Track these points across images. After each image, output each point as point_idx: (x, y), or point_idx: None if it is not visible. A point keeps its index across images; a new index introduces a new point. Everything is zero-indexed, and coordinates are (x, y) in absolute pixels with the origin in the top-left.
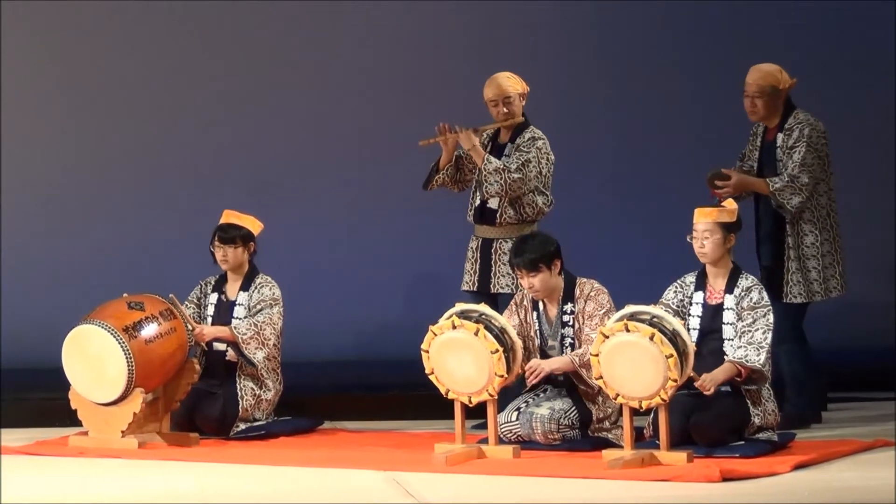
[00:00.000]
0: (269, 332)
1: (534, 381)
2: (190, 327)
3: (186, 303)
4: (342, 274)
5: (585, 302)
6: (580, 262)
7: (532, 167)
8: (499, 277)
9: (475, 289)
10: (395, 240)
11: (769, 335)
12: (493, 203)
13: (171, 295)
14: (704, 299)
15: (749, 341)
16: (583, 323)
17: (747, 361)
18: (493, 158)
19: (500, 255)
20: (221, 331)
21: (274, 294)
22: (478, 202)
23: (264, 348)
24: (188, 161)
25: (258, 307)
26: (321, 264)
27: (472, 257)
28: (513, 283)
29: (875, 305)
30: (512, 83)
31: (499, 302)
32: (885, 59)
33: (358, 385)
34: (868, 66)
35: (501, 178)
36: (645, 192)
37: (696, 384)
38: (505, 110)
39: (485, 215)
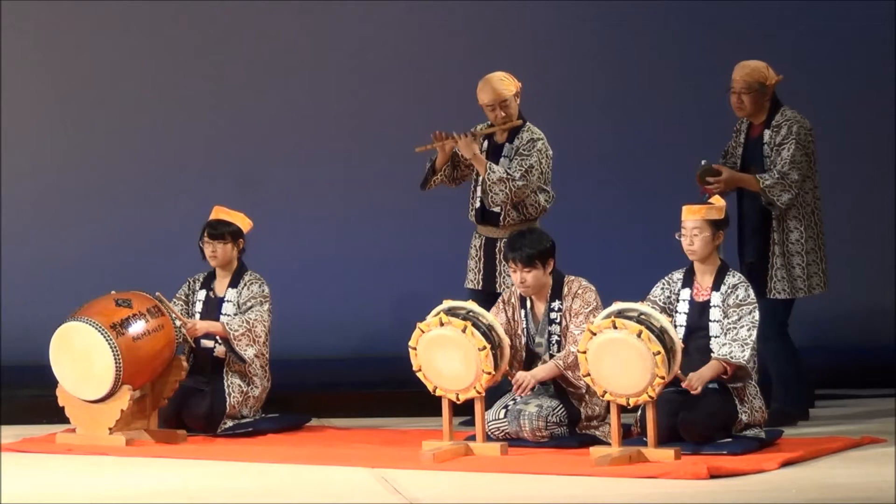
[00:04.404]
0: (260, 329)
1: (523, 394)
2: (180, 322)
3: (174, 299)
4: (331, 271)
5: (572, 300)
6: (571, 258)
7: (535, 171)
8: (504, 277)
9: (479, 287)
10: (384, 237)
11: (754, 332)
12: (496, 208)
13: (157, 293)
14: (691, 296)
15: (734, 338)
16: (569, 320)
17: (732, 358)
18: (495, 167)
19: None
20: (214, 326)
21: (263, 291)
22: (478, 204)
23: (255, 345)
24: (181, 159)
25: (248, 304)
26: (310, 262)
27: (476, 255)
28: None
29: (862, 303)
30: (506, 85)
31: None
32: (885, 58)
33: (345, 382)
34: (868, 65)
35: (506, 188)
36: (635, 189)
37: (684, 384)
38: (503, 114)
39: (487, 217)
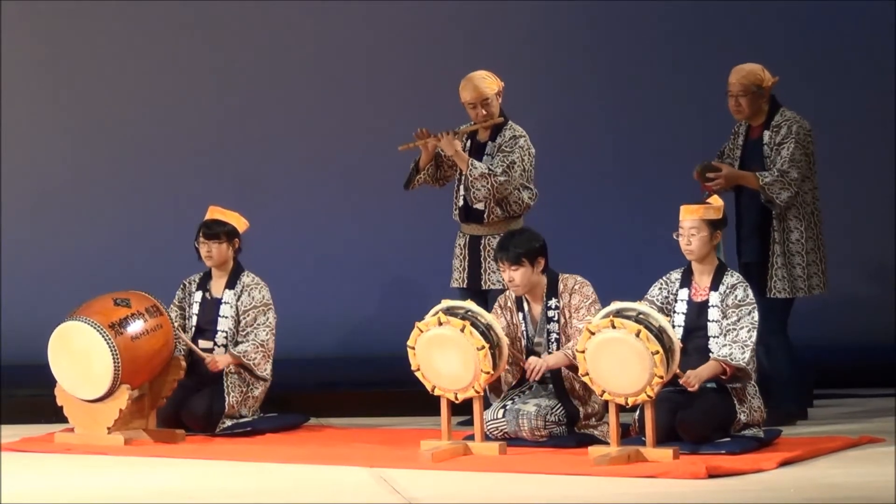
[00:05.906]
0: (271, 342)
1: (536, 378)
2: (201, 358)
3: (171, 306)
4: (328, 270)
5: (570, 296)
6: (569, 257)
7: (517, 168)
8: (489, 274)
9: (465, 285)
10: (381, 236)
11: (754, 334)
12: (479, 205)
13: (178, 329)
14: (689, 296)
15: (734, 339)
16: (569, 316)
17: (732, 360)
18: (477, 163)
19: (489, 251)
20: (233, 359)
21: (265, 297)
22: (461, 203)
23: (270, 360)
24: (181, 159)
25: (251, 314)
26: (309, 261)
27: (461, 254)
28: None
29: (861, 302)
30: (488, 83)
31: (489, 298)
32: (885, 59)
33: (344, 382)
34: (868, 65)
35: (488, 183)
36: (633, 189)
37: (681, 381)
38: (484, 112)
39: (471, 214)
